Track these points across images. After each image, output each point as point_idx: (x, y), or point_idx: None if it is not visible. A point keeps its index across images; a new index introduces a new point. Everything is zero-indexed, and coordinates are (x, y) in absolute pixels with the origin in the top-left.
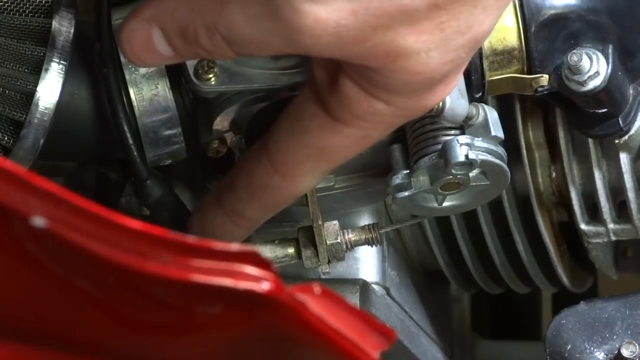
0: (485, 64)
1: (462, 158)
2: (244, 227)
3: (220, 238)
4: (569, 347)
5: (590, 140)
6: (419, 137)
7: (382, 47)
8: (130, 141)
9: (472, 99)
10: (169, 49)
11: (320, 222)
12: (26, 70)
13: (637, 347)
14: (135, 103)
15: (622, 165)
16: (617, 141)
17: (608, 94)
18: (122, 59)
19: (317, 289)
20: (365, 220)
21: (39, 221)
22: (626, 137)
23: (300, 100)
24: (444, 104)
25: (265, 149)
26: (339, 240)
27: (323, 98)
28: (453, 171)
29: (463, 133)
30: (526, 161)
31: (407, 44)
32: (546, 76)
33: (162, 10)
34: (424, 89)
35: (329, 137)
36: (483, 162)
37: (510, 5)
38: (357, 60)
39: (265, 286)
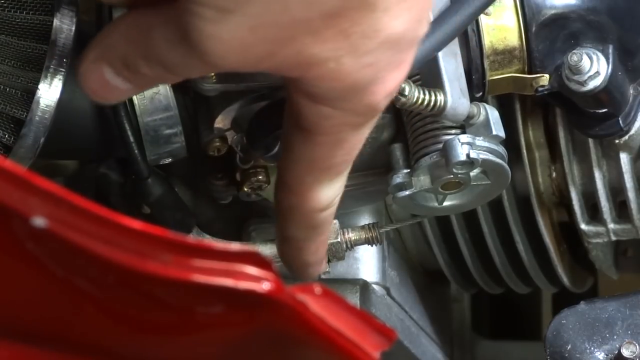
0: (486, 63)
1: (463, 157)
2: (301, 250)
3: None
4: (569, 347)
5: (590, 140)
6: (419, 136)
7: (293, 59)
8: (131, 139)
9: (472, 99)
10: (124, 82)
11: None
12: (27, 68)
13: (637, 347)
14: (136, 101)
15: (622, 165)
16: (617, 141)
17: (608, 94)
18: None
19: (317, 289)
20: (365, 219)
21: (39, 221)
22: (626, 137)
23: (284, 119)
24: (445, 103)
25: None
26: (339, 240)
27: (288, 113)
28: (454, 170)
29: (464, 132)
30: (526, 161)
31: (313, 53)
32: (546, 76)
33: (105, 48)
34: (356, 91)
35: (308, 148)
36: (484, 161)
37: (511, 5)
38: (278, 72)
39: (265, 286)
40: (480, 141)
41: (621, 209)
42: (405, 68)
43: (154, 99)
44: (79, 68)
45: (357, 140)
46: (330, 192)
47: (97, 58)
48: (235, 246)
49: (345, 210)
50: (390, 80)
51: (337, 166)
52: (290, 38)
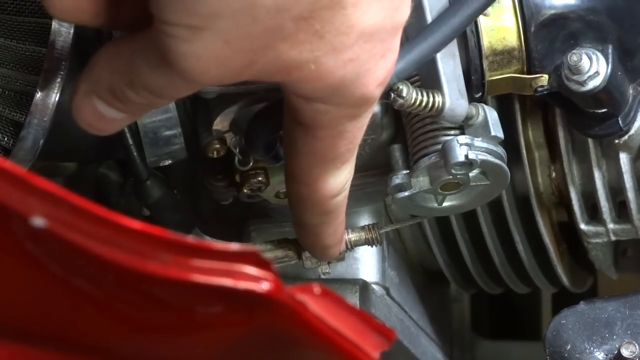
0: (485, 64)
1: (462, 158)
2: (319, 235)
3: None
4: (569, 347)
5: (590, 140)
6: (418, 137)
7: (272, 65)
8: (130, 141)
9: (471, 99)
10: (117, 112)
11: None
12: (26, 70)
13: (637, 347)
14: None
15: (622, 165)
16: (616, 141)
17: (608, 94)
18: None
19: (316, 289)
20: (365, 220)
21: (38, 221)
22: (626, 137)
23: (284, 116)
24: (443, 104)
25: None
26: None
27: (286, 110)
28: (453, 171)
29: (463, 133)
30: (526, 161)
31: (291, 58)
32: (546, 76)
33: (92, 81)
34: (345, 86)
35: (310, 142)
36: (483, 162)
37: (510, 5)
38: (261, 80)
39: (265, 286)
40: (479, 142)
41: (621, 209)
42: (391, 55)
43: None
44: (71, 103)
45: (357, 130)
46: (338, 180)
47: (87, 92)
48: (234, 246)
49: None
50: (378, 70)
51: (341, 156)
52: (265, 46)
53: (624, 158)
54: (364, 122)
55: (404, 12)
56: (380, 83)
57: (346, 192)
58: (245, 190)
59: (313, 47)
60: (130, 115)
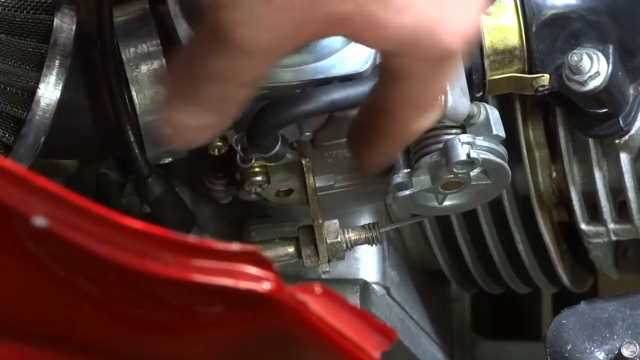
0: (487, 63)
1: (463, 157)
2: (387, 156)
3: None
4: (569, 347)
5: (590, 140)
6: (420, 136)
7: (322, 21)
8: (132, 139)
9: (473, 99)
10: (199, 118)
11: (320, 221)
12: (28, 67)
13: (638, 347)
14: (136, 101)
15: (623, 165)
16: (617, 141)
17: (608, 94)
18: (124, 57)
19: (317, 288)
20: (365, 219)
21: (39, 221)
22: (626, 137)
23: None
24: (445, 102)
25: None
26: (339, 239)
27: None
28: (454, 170)
29: (464, 132)
30: (526, 161)
31: (337, 10)
32: (547, 76)
33: (167, 96)
34: (412, 38)
35: (398, 90)
36: (484, 161)
37: (512, 4)
38: (320, 37)
39: (266, 286)
40: (480, 141)
41: (621, 209)
42: (476, 13)
43: (155, 99)
44: (160, 129)
45: (444, 81)
46: (424, 123)
47: (167, 110)
48: (235, 246)
49: (345, 210)
50: (452, 20)
51: (428, 104)
52: (308, 4)
53: (624, 158)
54: (450, 72)
55: None
56: (462, 35)
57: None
58: (245, 189)
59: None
60: (215, 116)
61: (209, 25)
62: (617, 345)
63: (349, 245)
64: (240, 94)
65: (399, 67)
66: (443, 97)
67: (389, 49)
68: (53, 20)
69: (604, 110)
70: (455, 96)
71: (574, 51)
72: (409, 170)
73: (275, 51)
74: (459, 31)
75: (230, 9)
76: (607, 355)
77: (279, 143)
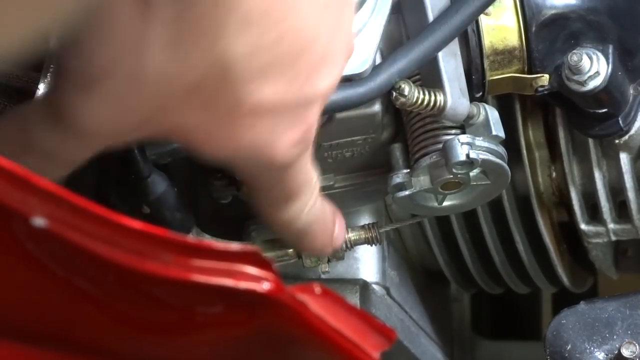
0: (486, 63)
1: (463, 157)
2: (306, 244)
3: None
4: (569, 347)
5: (590, 140)
6: (419, 136)
7: (165, 127)
8: None
9: (472, 99)
10: None
11: None
12: (28, 67)
13: (637, 347)
14: None
15: (622, 165)
16: (617, 141)
17: (608, 94)
18: None
19: (317, 289)
20: (365, 219)
21: (39, 221)
22: (626, 137)
23: None
24: (445, 103)
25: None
26: None
27: None
28: (454, 170)
29: (464, 132)
30: (526, 161)
31: (182, 122)
32: (546, 76)
33: None
34: (246, 155)
35: (251, 190)
36: (484, 161)
37: (511, 5)
38: (160, 139)
39: (265, 286)
40: (480, 141)
41: (621, 209)
42: (303, 126)
43: None
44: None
45: (288, 182)
46: (291, 212)
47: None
48: (235, 246)
49: (345, 210)
50: (285, 141)
51: (282, 200)
52: (155, 109)
53: (624, 158)
54: (291, 176)
55: (321, 82)
56: (291, 147)
57: (311, 213)
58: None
59: (202, 116)
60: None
61: (53, 106)
62: (617, 345)
63: (349, 245)
64: (58, 171)
65: (242, 175)
66: (307, 186)
67: (221, 160)
68: None
69: (603, 110)
70: (455, 96)
71: (574, 51)
72: (408, 170)
73: (110, 140)
74: (289, 143)
75: (79, 98)
76: (607, 355)
77: None
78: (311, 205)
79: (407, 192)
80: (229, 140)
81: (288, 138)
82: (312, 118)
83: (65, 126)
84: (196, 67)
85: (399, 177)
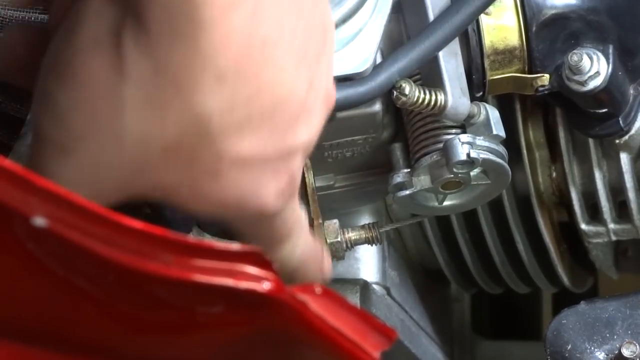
0: (486, 63)
1: (463, 157)
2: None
3: None
4: (570, 347)
5: (590, 140)
6: (420, 135)
7: (147, 188)
8: None
9: (472, 99)
10: None
11: (320, 221)
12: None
13: (638, 347)
14: None
15: (623, 165)
16: (617, 141)
17: (608, 94)
18: None
19: (317, 288)
20: (365, 219)
21: (39, 221)
22: (626, 137)
23: None
24: (445, 102)
25: None
26: (339, 239)
27: None
28: (454, 170)
29: (464, 132)
30: (526, 161)
31: (163, 182)
32: (547, 76)
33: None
34: (231, 209)
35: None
36: (484, 161)
37: (512, 4)
38: (143, 198)
39: (266, 286)
40: (480, 141)
41: (621, 209)
42: (285, 177)
43: None
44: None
45: (276, 228)
46: (285, 252)
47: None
48: (235, 246)
49: (345, 210)
50: (269, 192)
51: (274, 243)
52: (135, 171)
53: (624, 158)
54: (279, 222)
55: (300, 133)
56: (277, 197)
57: (303, 252)
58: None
59: (183, 174)
60: None
61: (33, 163)
62: (617, 345)
63: (349, 245)
64: None
65: (231, 226)
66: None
67: (208, 214)
68: None
69: (604, 110)
70: (455, 96)
71: (574, 51)
72: (409, 170)
73: (94, 200)
74: (274, 194)
75: (58, 159)
76: (607, 355)
77: None
78: (302, 245)
79: (407, 192)
80: (213, 197)
81: (273, 189)
82: (296, 167)
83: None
84: (174, 125)
85: (399, 177)
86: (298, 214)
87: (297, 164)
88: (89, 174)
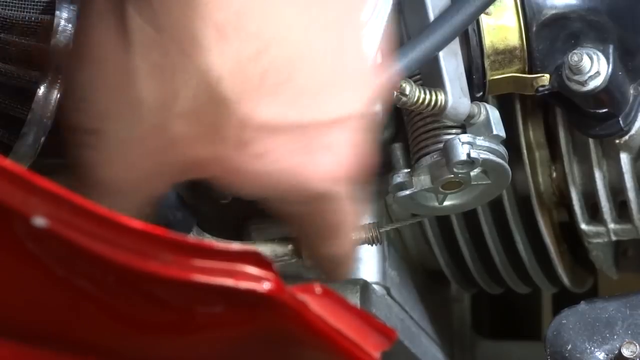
0: (487, 63)
1: (463, 157)
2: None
3: None
4: (570, 347)
5: (590, 140)
6: (420, 135)
7: (182, 164)
8: None
9: (473, 99)
10: None
11: None
12: (28, 66)
13: (638, 347)
14: None
15: (623, 165)
16: (617, 141)
17: (608, 94)
18: None
19: (317, 288)
20: (365, 219)
21: (40, 221)
22: (627, 137)
23: None
24: (446, 102)
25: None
26: None
27: None
28: (454, 170)
29: (464, 132)
30: (526, 161)
31: (194, 155)
32: (547, 76)
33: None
34: (277, 182)
35: (295, 227)
36: (485, 161)
37: (512, 4)
38: (180, 178)
39: (266, 286)
40: (480, 141)
41: (621, 209)
42: (328, 152)
43: None
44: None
45: (333, 217)
46: (341, 246)
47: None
48: (235, 246)
49: None
50: (318, 164)
51: (330, 234)
52: (163, 146)
53: (624, 158)
54: (335, 209)
55: (334, 105)
56: (331, 178)
57: (353, 248)
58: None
59: (210, 143)
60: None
61: (73, 164)
62: (617, 345)
63: None
64: (130, 212)
65: (277, 210)
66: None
67: (255, 193)
68: (53, 20)
69: (604, 110)
70: (456, 96)
71: (574, 51)
72: (409, 170)
73: (139, 191)
74: (327, 174)
75: (91, 148)
76: (607, 355)
77: None
78: (348, 247)
79: (407, 192)
80: (247, 166)
81: (313, 165)
82: (338, 145)
83: (91, 186)
84: (184, 88)
85: (399, 177)
86: (352, 212)
87: (339, 142)
88: (122, 153)
